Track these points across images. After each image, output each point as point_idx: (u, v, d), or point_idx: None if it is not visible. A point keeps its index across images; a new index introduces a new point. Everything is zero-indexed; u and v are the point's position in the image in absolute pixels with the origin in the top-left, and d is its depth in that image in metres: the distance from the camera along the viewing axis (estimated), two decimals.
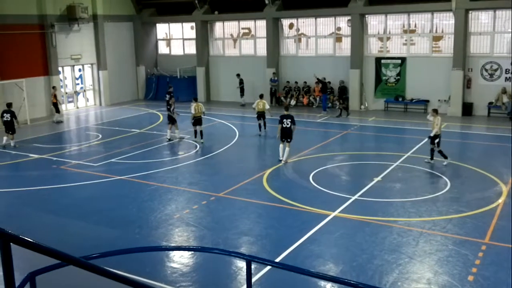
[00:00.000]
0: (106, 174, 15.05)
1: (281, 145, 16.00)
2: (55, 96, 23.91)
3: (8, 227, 2.73)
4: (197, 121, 19.00)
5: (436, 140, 15.08)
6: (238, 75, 27.94)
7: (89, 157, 17.28)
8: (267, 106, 20.00)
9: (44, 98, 25.23)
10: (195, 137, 19.17)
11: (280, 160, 15.82)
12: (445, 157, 15.06)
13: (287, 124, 15.60)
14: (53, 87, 24.42)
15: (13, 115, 18.76)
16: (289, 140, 15.67)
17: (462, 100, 23.34)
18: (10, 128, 18.77)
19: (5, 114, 18.74)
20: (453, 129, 20.79)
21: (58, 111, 24.00)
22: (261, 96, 20.64)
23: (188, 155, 17.32)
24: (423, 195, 12.49)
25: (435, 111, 15.39)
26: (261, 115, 19.93)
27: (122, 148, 18.39)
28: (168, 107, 19.81)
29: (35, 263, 3.93)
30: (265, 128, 20.29)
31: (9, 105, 19.31)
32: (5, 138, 18.92)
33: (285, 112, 15.99)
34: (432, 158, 15.29)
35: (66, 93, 27.74)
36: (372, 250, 9.34)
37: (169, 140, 19.24)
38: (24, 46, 24.75)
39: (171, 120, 19.37)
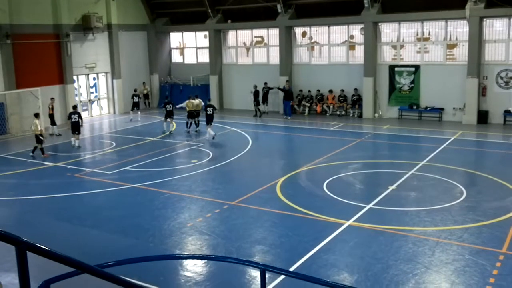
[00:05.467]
0: (120, 182, 15.10)
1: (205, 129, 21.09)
2: (52, 107, 22.94)
3: (23, 235, 2.72)
4: (191, 114, 22.58)
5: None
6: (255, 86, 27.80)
7: (103, 165, 17.37)
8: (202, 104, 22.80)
9: (59, 107, 25.36)
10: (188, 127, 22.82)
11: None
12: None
13: (210, 111, 20.98)
14: (51, 98, 23.31)
15: (79, 116, 20.21)
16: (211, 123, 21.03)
17: (477, 108, 23.10)
18: (77, 128, 20.03)
19: (72, 116, 20.15)
20: (468, 137, 20.57)
21: (54, 123, 23.02)
22: (197, 96, 23.39)
23: (201, 163, 17.33)
24: (438, 204, 12.34)
25: (36, 115, 18.87)
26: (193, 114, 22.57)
27: (136, 156, 18.47)
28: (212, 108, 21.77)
29: (49, 271, 3.92)
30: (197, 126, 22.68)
31: (75, 107, 21.22)
32: (72, 139, 20.30)
33: (209, 103, 21.61)
34: None
35: (81, 101, 27.99)
36: (387, 259, 9.23)
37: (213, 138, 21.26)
38: (40, 55, 25.07)
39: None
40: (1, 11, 22.97)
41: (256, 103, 27.17)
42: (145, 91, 30.77)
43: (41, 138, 18.52)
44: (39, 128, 18.54)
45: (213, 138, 20.93)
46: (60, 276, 3.95)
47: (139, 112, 26.75)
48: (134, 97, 27.10)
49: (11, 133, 23.12)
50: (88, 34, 27.42)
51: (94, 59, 28.16)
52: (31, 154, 18.59)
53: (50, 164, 17.64)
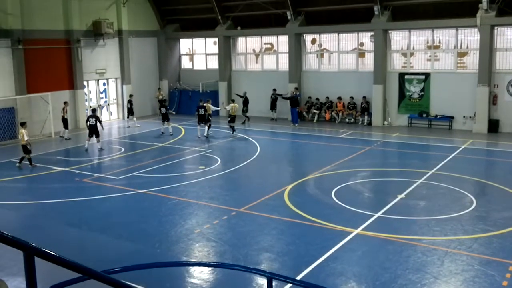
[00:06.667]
0: (128, 187, 15.12)
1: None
2: (66, 111, 23.34)
3: (30, 240, 2.71)
4: (232, 119, 23.45)
5: None
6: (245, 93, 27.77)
7: (111, 170, 17.42)
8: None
9: (69, 112, 25.48)
10: (232, 132, 23.41)
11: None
12: None
13: (202, 112, 22.64)
14: (65, 102, 23.71)
15: (97, 119, 20.55)
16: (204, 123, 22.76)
17: (488, 116, 22.92)
18: (95, 131, 20.34)
19: (90, 119, 20.51)
20: (479, 146, 20.41)
21: (67, 127, 23.41)
22: (233, 101, 24.55)
23: (209, 169, 17.32)
24: (448, 213, 12.22)
25: (22, 124, 17.96)
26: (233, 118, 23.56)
27: (144, 161, 18.51)
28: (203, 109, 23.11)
29: (56, 276, 3.91)
30: (234, 131, 23.41)
31: (94, 110, 21.77)
32: (87, 142, 20.73)
33: (201, 104, 23.11)
34: None
35: (90, 106, 28.10)
36: (395, 269, 9.14)
37: (207, 136, 22.88)
38: (51, 60, 25.26)
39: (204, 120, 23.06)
40: (13, 16, 23.20)
41: (245, 109, 26.94)
42: (160, 97, 30.92)
43: (28, 148, 17.65)
44: (26, 138, 17.51)
45: (207, 137, 22.73)
46: (66, 281, 3.95)
47: (134, 118, 26.83)
48: (128, 103, 27.23)
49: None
50: (98, 39, 27.61)
51: (105, 65, 28.34)
52: (18, 164, 17.78)
53: (59, 169, 17.71)
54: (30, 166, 17.79)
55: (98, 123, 20.39)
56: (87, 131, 20.72)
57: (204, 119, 22.94)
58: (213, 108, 23.98)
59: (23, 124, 18.16)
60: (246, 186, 15.81)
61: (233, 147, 21.49)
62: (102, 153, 20.37)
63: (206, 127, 22.96)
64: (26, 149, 17.69)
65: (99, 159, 19.55)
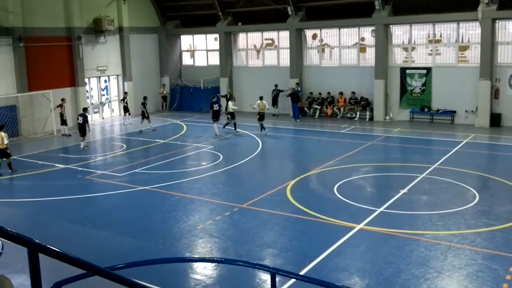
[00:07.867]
0: (131, 184, 15.14)
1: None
2: (61, 106, 23.36)
3: (34, 237, 2.71)
4: (261, 116, 22.68)
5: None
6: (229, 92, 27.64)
7: (114, 167, 17.43)
8: (267, 107, 23.30)
9: (70, 109, 25.53)
10: (261, 130, 22.65)
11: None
12: None
13: (217, 108, 22.67)
14: (62, 99, 23.67)
15: (84, 119, 20.24)
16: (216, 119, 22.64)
17: (490, 110, 22.87)
18: (81, 131, 20.23)
19: (79, 117, 20.50)
20: (481, 140, 20.37)
21: (65, 123, 23.58)
22: (261, 98, 23.32)
23: (212, 165, 17.32)
24: (451, 207, 12.21)
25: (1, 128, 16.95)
26: (262, 116, 22.71)
27: (146, 158, 18.53)
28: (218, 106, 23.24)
29: (60, 272, 3.92)
30: (264, 129, 22.62)
31: (84, 109, 21.44)
32: (82, 143, 20.54)
33: (214, 100, 23.14)
34: None
35: (92, 104, 28.13)
36: (398, 263, 9.14)
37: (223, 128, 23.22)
38: (52, 58, 25.24)
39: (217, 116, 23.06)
40: (14, 14, 23.19)
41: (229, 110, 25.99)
42: (164, 92, 30.98)
43: (8, 151, 16.70)
44: (6, 142, 16.61)
45: (215, 134, 22.52)
46: (71, 278, 3.95)
47: (129, 116, 26.82)
48: (122, 101, 27.33)
49: (23, 135, 23.31)
50: (99, 37, 27.58)
51: (106, 62, 28.32)
52: (10, 170, 16.76)
53: (62, 166, 17.75)
54: (10, 171, 16.75)
55: (85, 123, 20.11)
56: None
57: (218, 116, 22.83)
58: (232, 106, 23.55)
59: (1, 128, 17.11)
60: (248, 182, 15.82)
61: (235, 143, 21.48)
62: (105, 150, 20.38)
63: (230, 122, 23.21)
64: (5, 153, 16.70)
65: (102, 156, 19.56)
